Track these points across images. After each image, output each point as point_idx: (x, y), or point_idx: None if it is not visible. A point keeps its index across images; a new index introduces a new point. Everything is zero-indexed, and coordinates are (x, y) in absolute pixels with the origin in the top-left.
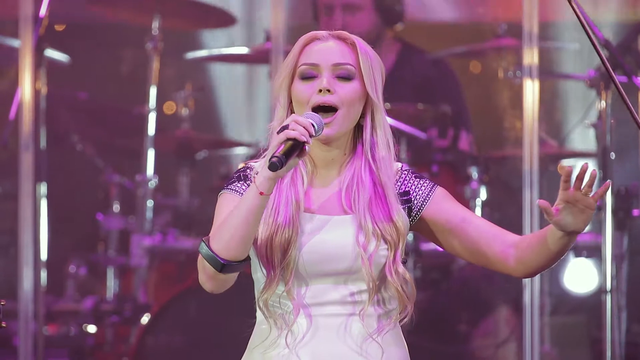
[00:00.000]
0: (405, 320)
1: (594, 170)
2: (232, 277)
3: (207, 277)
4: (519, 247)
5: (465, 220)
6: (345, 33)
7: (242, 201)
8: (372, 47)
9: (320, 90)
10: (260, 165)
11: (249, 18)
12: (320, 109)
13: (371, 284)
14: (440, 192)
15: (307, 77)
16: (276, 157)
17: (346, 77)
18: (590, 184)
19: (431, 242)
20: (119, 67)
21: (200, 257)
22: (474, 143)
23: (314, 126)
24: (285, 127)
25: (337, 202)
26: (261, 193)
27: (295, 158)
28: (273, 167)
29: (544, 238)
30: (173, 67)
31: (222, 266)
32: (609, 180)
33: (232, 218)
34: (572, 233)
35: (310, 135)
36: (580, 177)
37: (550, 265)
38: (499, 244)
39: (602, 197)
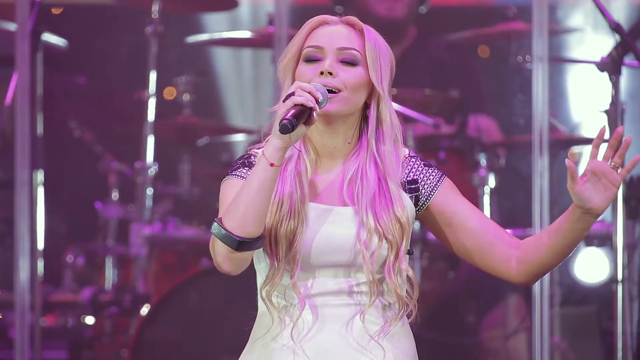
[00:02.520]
0: (410, 319)
1: (629, 137)
2: (248, 256)
3: (223, 258)
4: (522, 247)
5: (472, 215)
6: (354, 19)
7: (253, 175)
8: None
9: (322, 73)
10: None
11: (252, 1)
12: None
13: (371, 278)
14: (448, 183)
15: (311, 60)
16: (287, 119)
17: (350, 62)
18: (621, 154)
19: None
20: (118, 51)
21: (212, 239)
22: (497, 129)
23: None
24: (291, 95)
25: (339, 193)
26: (272, 164)
27: (302, 125)
28: (284, 129)
29: (556, 227)
30: (173, 51)
31: (237, 244)
32: (638, 155)
33: (243, 194)
34: (590, 212)
35: (317, 101)
36: (612, 146)
37: (553, 263)
38: (503, 245)
39: (630, 171)
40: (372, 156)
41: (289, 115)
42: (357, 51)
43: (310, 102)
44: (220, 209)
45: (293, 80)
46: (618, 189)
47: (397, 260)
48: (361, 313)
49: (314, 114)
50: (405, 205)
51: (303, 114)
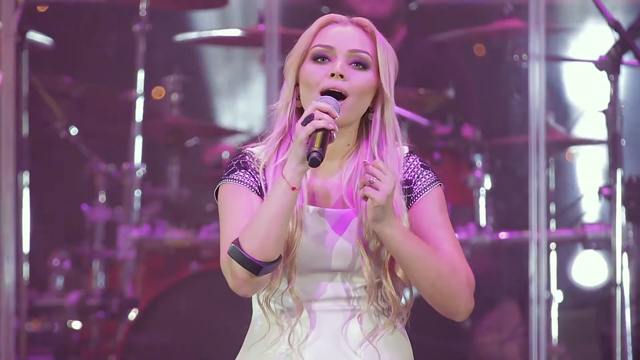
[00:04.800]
0: (403, 323)
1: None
2: (267, 278)
3: (241, 282)
4: None
5: (436, 230)
6: (365, 20)
7: (272, 198)
8: (389, 31)
9: (333, 75)
10: (263, 151)
11: None
12: (329, 94)
13: (370, 280)
14: (437, 192)
15: (319, 59)
16: (316, 151)
17: (362, 65)
18: (365, 184)
19: None
20: (104, 50)
21: (227, 261)
22: (477, 131)
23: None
24: (309, 118)
25: (338, 195)
26: (293, 188)
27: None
28: (315, 163)
29: None
30: (162, 50)
31: (259, 269)
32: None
33: (262, 217)
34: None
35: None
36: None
37: (411, 276)
38: None
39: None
40: (371, 157)
41: (315, 145)
42: (368, 54)
43: (331, 124)
44: (221, 216)
45: (296, 79)
46: (377, 204)
47: (396, 263)
48: (358, 316)
49: (334, 134)
50: (404, 207)
51: (326, 139)
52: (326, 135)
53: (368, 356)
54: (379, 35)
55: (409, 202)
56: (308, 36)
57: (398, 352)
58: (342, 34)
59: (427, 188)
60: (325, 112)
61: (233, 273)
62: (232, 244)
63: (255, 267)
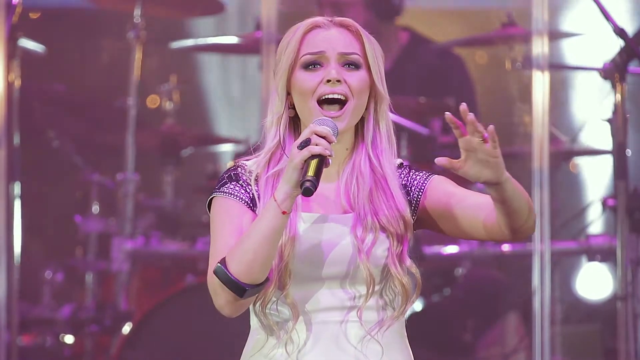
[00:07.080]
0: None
1: (471, 114)
2: (251, 299)
3: (225, 302)
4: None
5: (461, 195)
6: (348, 20)
7: (262, 220)
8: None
9: (329, 81)
10: (255, 164)
11: (239, 5)
12: (327, 101)
13: (369, 278)
14: (437, 179)
15: (311, 66)
16: (309, 181)
17: (354, 66)
18: (474, 130)
19: (438, 234)
20: (98, 57)
21: (214, 281)
22: None
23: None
24: (306, 142)
25: (337, 200)
26: (284, 212)
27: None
28: (308, 192)
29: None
30: (157, 57)
31: (243, 291)
32: (491, 125)
33: (251, 239)
34: (490, 184)
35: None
36: (470, 122)
37: (511, 218)
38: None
39: (494, 136)
40: (367, 157)
41: (309, 172)
42: (358, 55)
43: (328, 150)
44: (212, 231)
45: (287, 89)
46: (498, 157)
47: (402, 251)
48: (357, 310)
49: (329, 159)
50: (405, 201)
51: (322, 165)
52: (322, 161)
53: (370, 352)
54: (364, 33)
55: (411, 205)
56: (294, 44)
57: (399, 353)
58: (329, 39)
59: (426, 180)
60: (322, 137)
61: (217, 293)
62: (219, 264)
63: (240, 290)
